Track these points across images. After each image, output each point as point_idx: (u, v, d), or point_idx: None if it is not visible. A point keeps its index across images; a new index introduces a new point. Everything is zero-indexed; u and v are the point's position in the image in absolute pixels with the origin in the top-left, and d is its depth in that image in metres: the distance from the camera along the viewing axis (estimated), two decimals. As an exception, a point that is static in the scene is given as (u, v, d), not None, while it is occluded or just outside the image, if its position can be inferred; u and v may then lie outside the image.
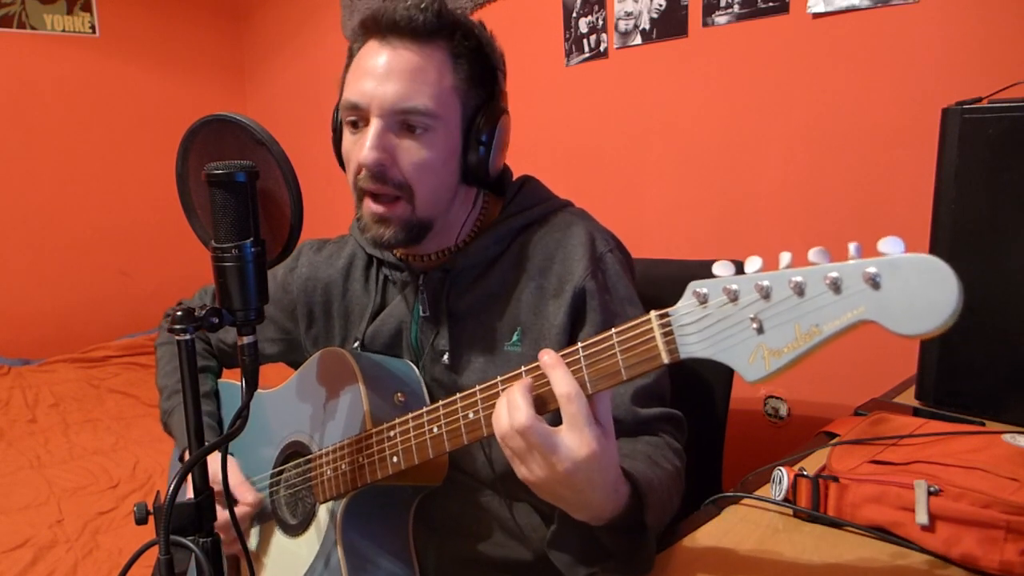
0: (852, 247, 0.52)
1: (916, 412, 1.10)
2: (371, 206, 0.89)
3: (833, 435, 1.01)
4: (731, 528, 0.85)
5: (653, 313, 0.63)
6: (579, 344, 0.67)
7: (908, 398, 1.16)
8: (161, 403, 1.14)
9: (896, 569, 0.75)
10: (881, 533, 0.80)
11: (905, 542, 0.78)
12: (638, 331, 0.64)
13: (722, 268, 0.59)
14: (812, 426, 1.58)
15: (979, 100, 1.03)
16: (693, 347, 0.60)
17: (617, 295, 0.91)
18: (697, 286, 0.59)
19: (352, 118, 0.89)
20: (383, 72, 0.85)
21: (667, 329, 0.61)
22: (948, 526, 0.75)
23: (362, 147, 0.86)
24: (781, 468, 0.89)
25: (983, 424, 1.00)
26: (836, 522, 0.83)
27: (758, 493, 0.91)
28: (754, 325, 0.56)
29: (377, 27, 0.87)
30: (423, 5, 0.86)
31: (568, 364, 0.67)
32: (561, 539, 0.77)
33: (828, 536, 0.82)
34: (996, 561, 0.72)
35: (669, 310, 0.61)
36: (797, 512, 0.86)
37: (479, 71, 0.90)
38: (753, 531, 0.84)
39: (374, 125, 0.85)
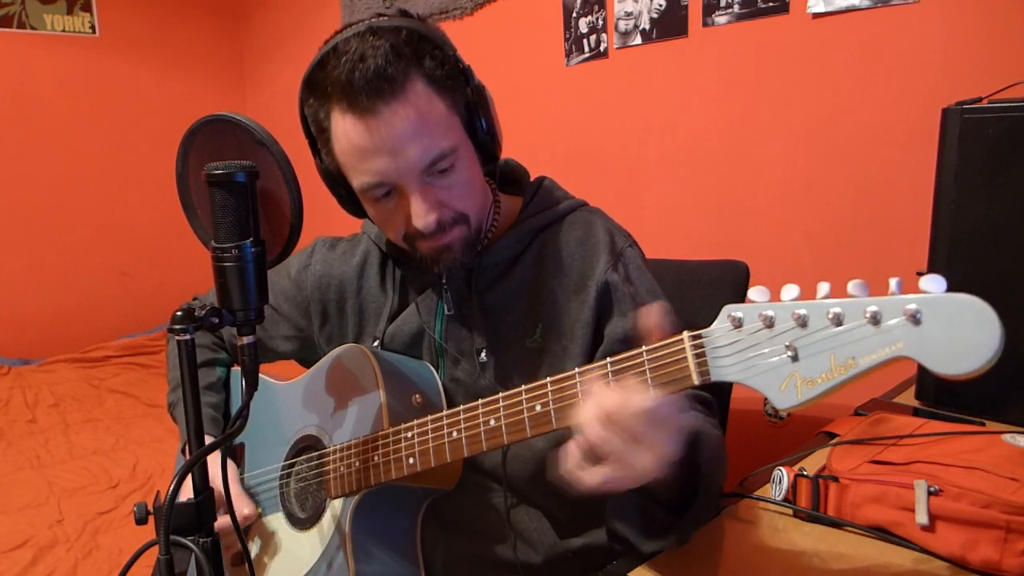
0: (893, 282, 0.52)
1: (916, 412, 1.10)
2: (429, 244, 0.88)
3: (833, 435, 1.01)
4: (731, 528, 0.86)
5: (686, 334, 0.62)
6: (607, 360, 0.67)
7: (908, 398, 1.16)
8: (168, 394, 1.15)
9: (896, 569, 0.75)
10: (881, 533, 0.80)
11: (905, 542, 0.78)
12: (669, 350, 0.63)
13: (757, 294, 0.58)
14: (812, 426, 1.58)
15: (979, 100, 1.03)
16: (725, 370, 0.60)
17: (642, 287, 0.92)
18: (732, 310, 0.59)
19: (378, 193, 0.86)
20: (391, 144, 0.81)
21: (700, 351, 0.61)
22: (948, 526, 0.75)
23: (406, 214, 0.85)
24: (781, 468, 0.89)
25: (983, 424, 1.00)
26: (836, 522, 0.83)
27: (758, 493, 0.91)
28: (788, 353, 0.55)
29: (353, 100, 0.80)
30: (386, 53, 0.79)
31: (595, 379, 0.67)
32: (624, 513, 0.78)
33: (828, 536, 0.82)
34: (996, 561, 0.72)
35: (703, 331, 0.61)
36: (797, 512, 0.86)
37: (449, 73, 0.86)
38: (753, 531, 0.84)
39: (414, 192, 0.84)
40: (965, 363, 0.48)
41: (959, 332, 0.48)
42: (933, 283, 0.50)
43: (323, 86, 0.83)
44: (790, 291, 0.56)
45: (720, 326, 0.60)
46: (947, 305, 0.49)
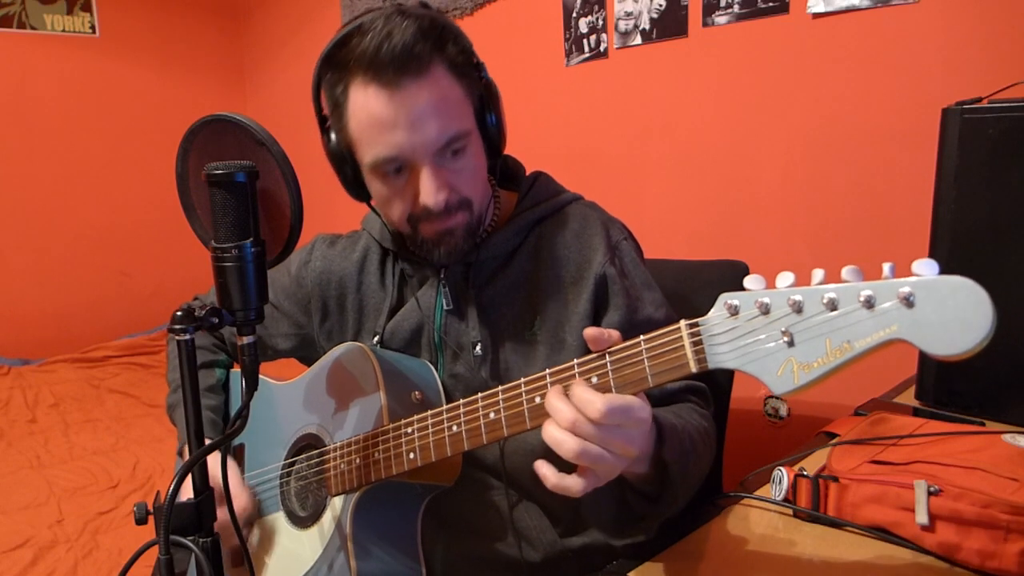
0: (886, 267, 0.52)
1: (916, 412, 1.10)
2: (432, 226, 0.89)
3: (833, 435, 1.01)
4: (731, 528, 0.86)
5: (683, 322, 0.63)
6: (606, 350, 0.68)
7: (908, 398, 1.16)
8: (168, 396, 1.15)
9: (896, 569, 0.75)
10: (881, 533, 0.80)
11: (905, 542, 0.78)
12: (667, 339, 0.64)
13: (753, 282, 0.59)
14: (812, 426, 1.58)
15: (979, 100, 1.03)
16: (722, 357, 0.60)
17: (636, 280, 0.94)
18: (728, 298, 0.59)
19: (390, 169, 0.87)
20: (411, 119, 0.83)
21: (696, 338, 0.62)
22: (948, 526, 0.75)
23: (415, 192, 0.87)
24: (781, 468, 0.89)
25: (983, 424, 1.00)
26: (836, 522, 0.83)
27: (758, 493, 0.91)
28: (785, 338, 0.56)
29: (378, 72, 0.82)
30: (414, 33, 0.82)
31: (594, 369, 0.68)
32: (597, 507, 0.80)
33: (828, 536, 0.82)
34: (996, 561, 0.72)
35: (699, 320, 0.62)
36: (797, 512, 0.86)
37: (467, 62, 0.90)
38: (753, 531, 0.84)
39: (426, 171, 0.85)
40: (959, 344, 0.49)
41: (952, 313, 0.49)
42: (926, 267, 0.51)
43: (345, 60, 0.85)
44: (785, 278, 0.57)
45: (717, 314, 0.60)
46: (940, 287, 0.50)
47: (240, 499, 0.96)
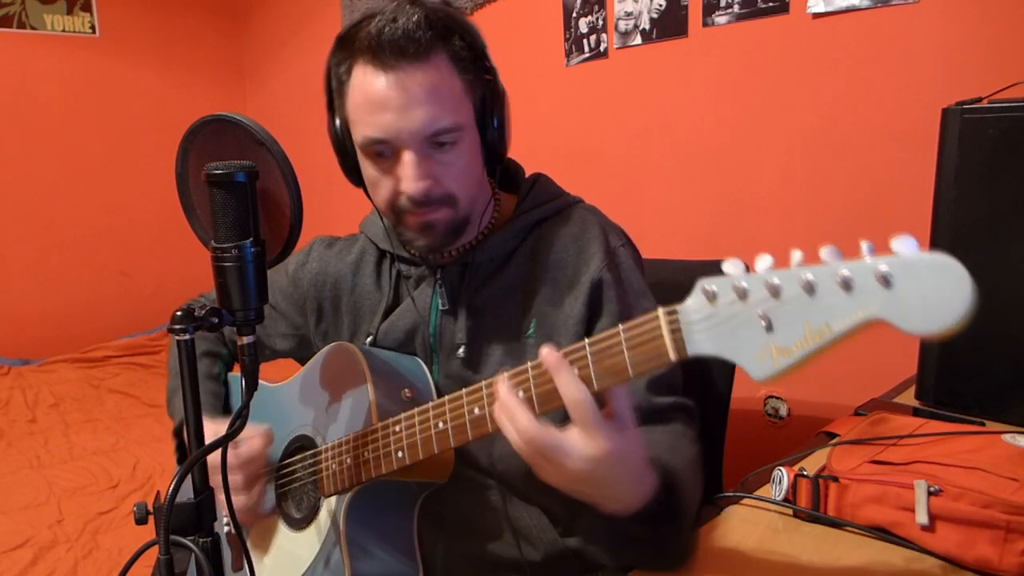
0: (864, 246, 0.51)
1: (916, 412, 1.10)
2: (415, 218, 0.89)
3: (833, 435, 1.01)
4: (731, 528, 0.85)
5: (661, 310, 0.62)
6: (586, 340, 0.67)
7: (908, 398, 1.16)
8: (168, 382, 1.15)
9: (896, 569, 0.75)
10: (881, 533, 0.80)
11: (905, 542, 0.78)
12: (645, 328, 0.63)
13: (732, 267, 0.58)
14: (812, 426, 1.58)
15: (979, 100, 1.03)
16: (701, 344, 0.59)
17: (632, 288, 0.93)
18: (706, 283, 0.59)
19: (377, 150, 0.87)
20: (402, 102, 0.83)
21: (675, 326, 0.61)
22: (948, 526, 0.75)
23: (398, 177, 0.87)
24: (781, 468, 0.89)
25: (983, 424, 1.00)
26: (836, 522, 0.83)
27: (758, 493, 0.91)
28: (763, 323, 0.55)
29: (377, 53, 0.83)
30: (418, 20, 0.83)
31: (575, 361, 0.66)
32: (592, 531, 0.78)
33: (828, 536, 0.82)
34: (996, 561, 0.72)
35: (677, 307, 0.61)
36: (797, 512, 0.86)
37: (474, 60, 0.90)
38: (753, 531, 0.84)
39: (409, 156, 0.85)
40: (936, 321, 0.48)
41: (931, 291, 0.48)
42: (904, 245, 0.50)
43: (352, 41, 0.86)
44: (764, 261, 0.56)
45: (695, 300, 0.60)
46: (918, 265, 0.49)
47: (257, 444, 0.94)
